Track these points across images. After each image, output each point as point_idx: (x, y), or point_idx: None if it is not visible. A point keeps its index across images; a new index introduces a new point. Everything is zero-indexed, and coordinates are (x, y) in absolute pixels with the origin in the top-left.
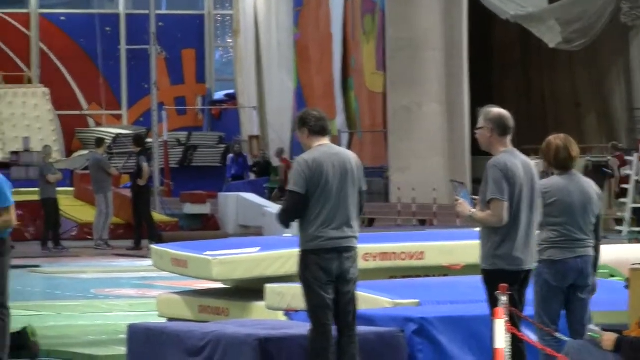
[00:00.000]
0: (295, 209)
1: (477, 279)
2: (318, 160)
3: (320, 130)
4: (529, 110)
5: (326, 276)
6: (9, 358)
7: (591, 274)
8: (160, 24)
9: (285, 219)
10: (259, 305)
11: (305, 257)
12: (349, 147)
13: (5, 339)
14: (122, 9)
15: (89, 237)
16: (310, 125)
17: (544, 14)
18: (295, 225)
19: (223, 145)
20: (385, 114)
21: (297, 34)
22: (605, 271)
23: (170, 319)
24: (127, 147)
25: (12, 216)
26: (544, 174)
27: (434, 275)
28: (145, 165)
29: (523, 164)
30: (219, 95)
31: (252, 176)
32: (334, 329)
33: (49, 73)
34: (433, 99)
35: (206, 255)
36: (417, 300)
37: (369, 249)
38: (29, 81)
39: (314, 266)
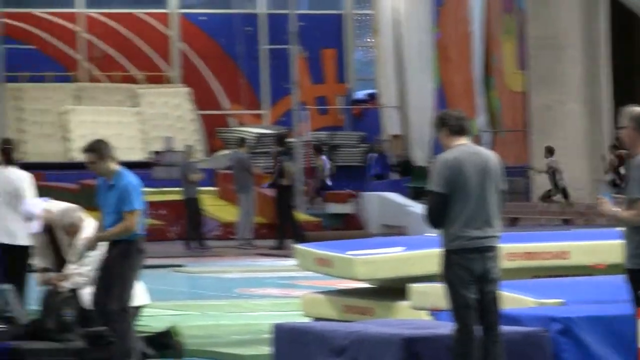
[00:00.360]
0: (438, 209)
1: (622, 279)
2: (457, 159)
3: (459, 129)
4: None
5: (469, 276)
6: (155, 358)
7: None
8: (301, 23)
9: (430, 219)
10: (404, 304)
11: (448, 257)
12: (492, 146)
13: (126, 342)
14: (262, 8)
15: (232, 237)
16: (449, 125)
17: None
18: None
19: (365, 145)
20: (525, 113)
21: (438, 33)
22: None
23: (315, 319)
24: (269, 147)
25: (133, 221)
26: None
27: (577, 275)
28: (288, 165)
29: None
30: (360, 94)
31: (394, 176)
32: (478, 329)
33: (189, 73)
34: (575, 98)
35: (350, 254)
36: (562, 300)
37: (513, 249)
38: (168, 81)
39: (457, 266)
